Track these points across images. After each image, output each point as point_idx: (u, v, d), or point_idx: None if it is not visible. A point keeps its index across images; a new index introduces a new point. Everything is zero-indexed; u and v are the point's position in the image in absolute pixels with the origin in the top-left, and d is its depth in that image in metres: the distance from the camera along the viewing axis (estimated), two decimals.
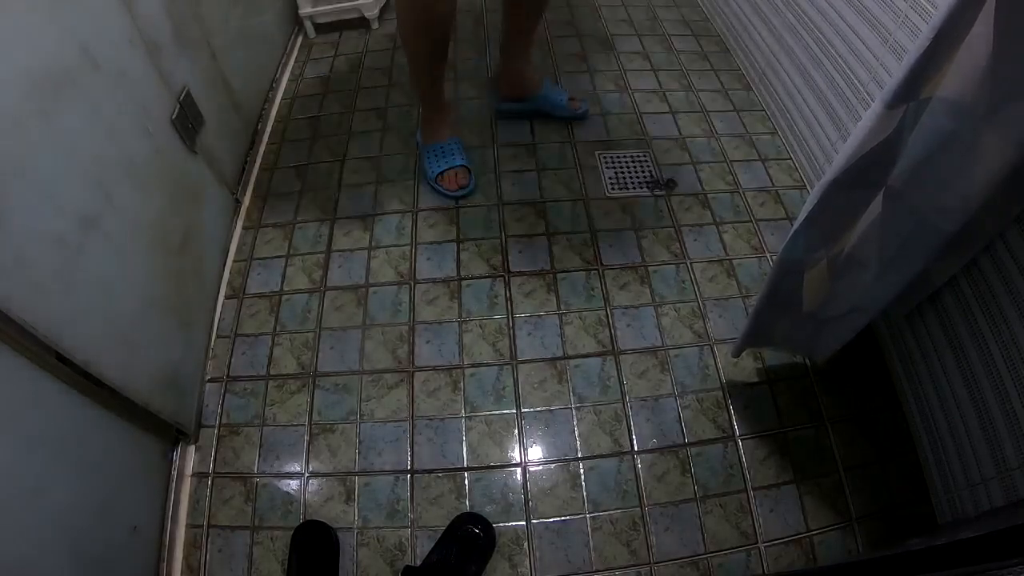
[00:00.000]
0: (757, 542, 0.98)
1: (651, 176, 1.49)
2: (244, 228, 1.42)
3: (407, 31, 1.23)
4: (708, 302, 1.25)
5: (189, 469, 1.07)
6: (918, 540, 0.78)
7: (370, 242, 1.37)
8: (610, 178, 1.48)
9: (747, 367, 1.16)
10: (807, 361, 1.16)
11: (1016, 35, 0.52)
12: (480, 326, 1.22)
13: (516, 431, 1.09)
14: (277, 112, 1.71)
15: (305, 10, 1.91)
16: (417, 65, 1.32)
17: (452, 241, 1.36)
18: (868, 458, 1.05)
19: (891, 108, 0.62)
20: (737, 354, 1.11)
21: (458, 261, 1.33)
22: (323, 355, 1.19)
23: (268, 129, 1.65)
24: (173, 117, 1.10)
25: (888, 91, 0.61)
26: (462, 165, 1.43)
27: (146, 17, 1.03)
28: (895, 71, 0.59)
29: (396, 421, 1.11)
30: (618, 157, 1.53)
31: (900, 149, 0.67)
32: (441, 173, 1.42)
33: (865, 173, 0.69)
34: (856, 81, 1.21)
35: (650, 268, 1.30)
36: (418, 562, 0.96)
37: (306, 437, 1.10)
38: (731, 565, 0.96)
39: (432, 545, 0.97)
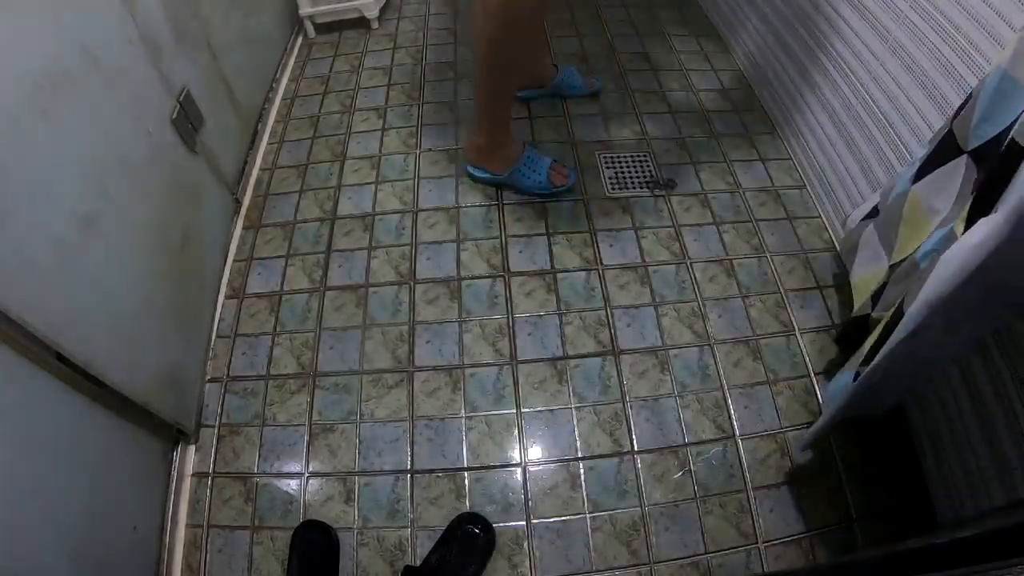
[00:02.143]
0: (757, 542, 0.98)
1: (651, 176, 1.49)
2: (244, 228, 1.42)
3: (503, 47, 1.12)
4: (708, 302, 1.25)
5: (189, 469, 1.07)
6: (918, 540, 0.78)
7: (370, 242, 1.37)
8: (610, 178, 1.48)
9: (747, 367, 1.16)
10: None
11: None
12: (480, 326, 1.22)
13: (516, 431, 1.09)
14: (277, 112, 1.71)
15: (305, 10, 1.91)
16: (507, 85, 1.24)
17: (452, 241, 1.36)
18: (868, 458, 1.05)
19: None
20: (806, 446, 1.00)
21: (458, 261, 1.33)
22: (323, 355, 1.19)
23: (268, 129, 1.65)
24: (173, 117, 1.10)
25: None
26: (552, 160, 1.42)
27: (146, 17, 1.03)
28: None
29: (396, 421, 1.11)
30: (618, 157, 1.53)
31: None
32: (549, 177, 1.40)
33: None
34: (856, 81, 1.21)
35: (650, 268, 1.30)
36: (418, 562, 0.96)
37: (306, 437, 1.10)
38: (731, 565, 0.96)
39: (432, 545, 0.97)
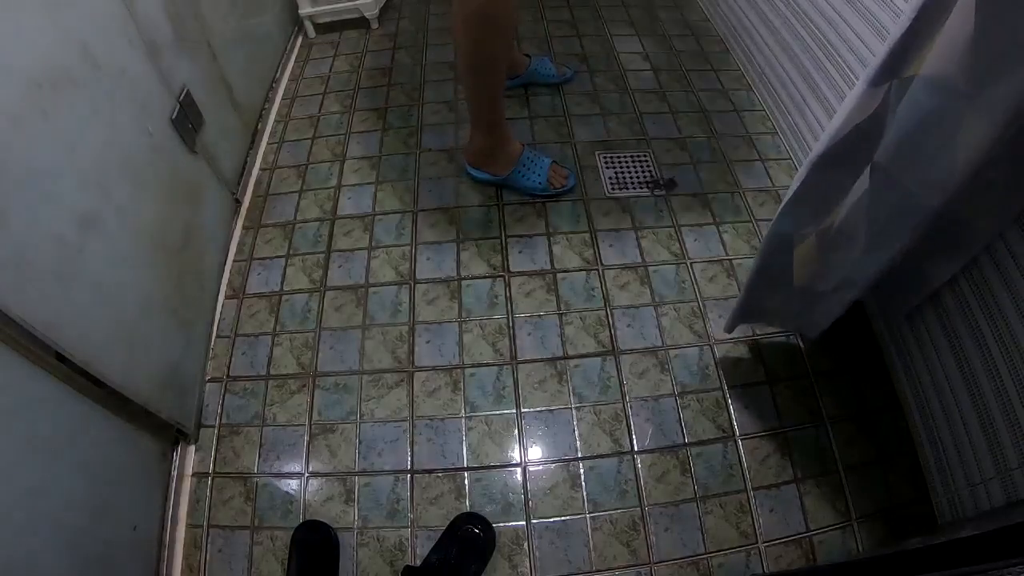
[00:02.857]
0: (757, 542, 0.98)
1: (651, 176, 1.49)
2: (244, 228, 1.42)
3: (484, 48, 1.15)
4: (708, 302, 1.25)
5: (189, 469, 1.07)
6: (918, 540, 0.78)
7: (370, 242, 1.37)
8: (610, 178, 1.48)
9: (747, 367, 1.16)
10: (799, 342, 1.16)
11: (997, 14, 0.52)
12: (480, 326, 1.22)
13: (516, 431, 1.09)
14: (277, 112, 1.71)
15: (305, 10, 1.91)
16: (493, 86, 1.25)
17: (452, 241, 1.36)
18: (868, 458, 1.05)
19: (875, 87, 0.62)
20: (730, 329, 1.11)
21: (458, 261, 1.33)
22: (323, 355, 1.19)
23: (268, 129, 1.65)
24: (173, 117, 1.10)
25: (871, 70, 0.61)
26: (552, 161, 1.44)
27: (146, 17, 1.03)
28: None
29: (396, 421, 1.11)
30: (618, 157, 1.53)
31: (885, 126, 0.68)
32: (548, 178, 1.41)
33: (852, 150, 0.70)
34: (856, 81, 1.20)
35: (650, 268, 1.30)
36: (418, 562, 0.96)
37: (306, 437, 1.10)
38: (731, 565, 0.96)
39: (432, 545, 0.97)
